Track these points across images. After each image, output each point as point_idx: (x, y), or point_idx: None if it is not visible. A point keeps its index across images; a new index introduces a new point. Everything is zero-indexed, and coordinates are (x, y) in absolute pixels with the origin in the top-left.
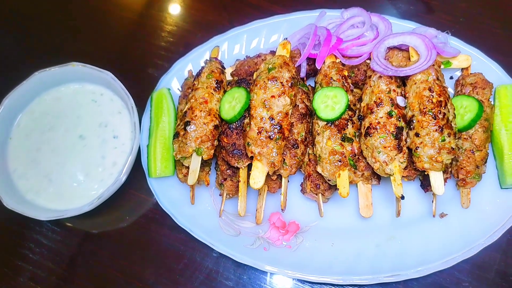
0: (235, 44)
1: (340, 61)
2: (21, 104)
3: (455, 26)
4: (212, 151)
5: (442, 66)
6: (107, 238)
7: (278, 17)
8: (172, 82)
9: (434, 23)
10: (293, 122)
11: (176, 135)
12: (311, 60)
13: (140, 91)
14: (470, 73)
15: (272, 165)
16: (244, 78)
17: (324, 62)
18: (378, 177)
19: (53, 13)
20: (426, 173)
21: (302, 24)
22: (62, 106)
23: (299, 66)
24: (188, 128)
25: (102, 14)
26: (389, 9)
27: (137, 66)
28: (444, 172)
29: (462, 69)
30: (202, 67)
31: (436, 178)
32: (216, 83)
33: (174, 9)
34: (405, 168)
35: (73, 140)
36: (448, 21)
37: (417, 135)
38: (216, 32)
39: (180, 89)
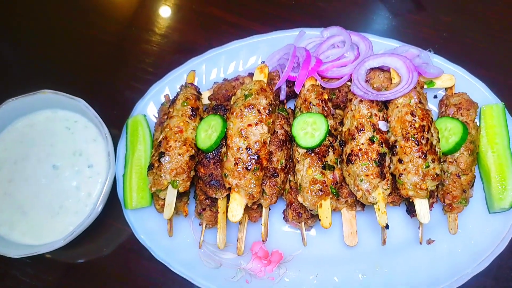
0: (213, 66)
1: (320, 84)
2: None
3: (439, 41)
4: (188, 183)
5: (425, 86)
6: (83, 270)
7: (257, 37)
8: (148, 107)
9: (417, 38)
10: (272, 151)
11: (150, 166)
12: (290, 82)
13: (117, 115)
14: (454, 93)
15: (251, 196)
16: (221, 105)
17: (303, 86)
18: (362, 204)
19: (22, 39)
20: (410, 200)
21: (281, 44)
22: (34, 134)
23: (279, 89)
24: (162, 160)
25: (74, 35)
26: (371, 25)
27: (113, 89)
28: (430, 197)
29: (446, 88)
30: (177, 94)
31: (421, 206)
32: (192, 111)
33: (151, 29)
34: (389, 194)
35: (46, 170)
36: (432, 35)
37: (400, 161)
38: (194, 52)
39: (156, 116)
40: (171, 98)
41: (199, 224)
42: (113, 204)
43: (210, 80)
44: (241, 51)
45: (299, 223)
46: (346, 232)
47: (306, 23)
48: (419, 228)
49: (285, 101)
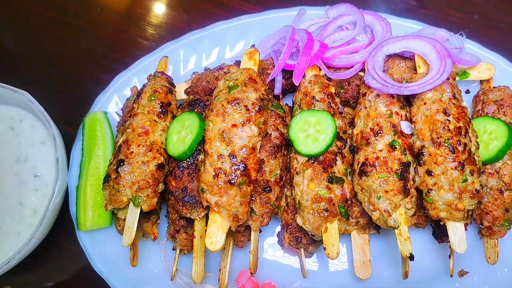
0: (193, 53)
1: (325, 74)
2: None
3: (468, 26)
4: (155, 200)
5: (456, 78)
6: None
7: (247, 18)
8: (110, 103)
9: (443, 22)
10: (263, 159)
11: (106, 178)
12: (288, 73)
13: (75, 112)
14: (493, 87)
15: (235, 218)
16: (199, 99)
17: (304, 76)
18: (378, 226)
19: None
20: (442, 223)
21: (276, 26)
22: None
23: (273, 80)
24: (120, 170)
25: (21, 14)
26: (387, 4)
27: (71, 80)
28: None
29: (481, 81)
30: (143, 86)
31: (456, 231)
32: (161, 107)
33: (119, 9)
34: (413, 215)
35: None
36: (460, 19)
37: (429, 173)
38: (171, 37)
39: (120, 113)
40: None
41: (173, 249)
42: (67, 223)
43: (188, 70)
44: (227, 34)
45: (298, 249)
46: (357, 261)
47: (307, 1)
48: (449, 257)
49: (280, 96)
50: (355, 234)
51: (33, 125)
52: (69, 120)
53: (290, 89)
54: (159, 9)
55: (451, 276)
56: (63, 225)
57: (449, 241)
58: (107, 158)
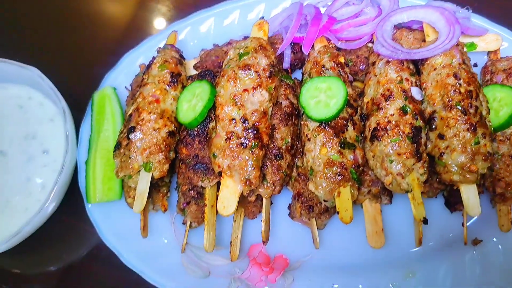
0: (200, 32)
1: (335, 45)
2: None
3: (473, 5)
4: (166, 167)
5: (464, 49)
6: (40, 282)
7: None
8: (119, 79)
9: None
10: (274, 125)
11: (117, 146)
12: (296, 47)
13: (82, 93)
14: (501, 57)
15: (247, 182)
16: (209, 70)
17: (313, 47)
18: (390, 194)
19: None
20: (455, 187)
21: (283, 3)
22: None
23: (281, 54)
24: (132, 136)
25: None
26: None
27: (78, 62)
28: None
29: (489, 53)
30: (153, 58)
31: (470, 194)
32: (171, 77)
33: None
34: (425, 182)
35: None
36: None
37: (441, 137)
38: (177, 17)
39: (129, 88)
40: None
41: (183, 223)
42: (76, 200)
43: (196, 46)
44: (235, 12)
45: (309, 219)
46: (369, 230)
47: None
48: (462, 224)
49: (289, 71)
50: (367, 203)
51: (41, 103)
52: (76, 102)
53: (298, 64)
54: None
55: (465, 244)
56: (71, 203)
57: (461, 209)
58: (116, 132)
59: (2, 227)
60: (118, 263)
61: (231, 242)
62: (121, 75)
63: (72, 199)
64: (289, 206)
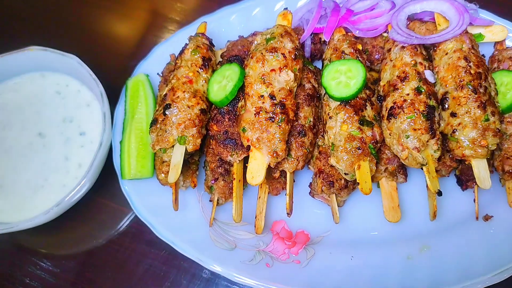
0: (224, 27)
1: (353, 34)
2: None
3: (479, 2)
4: (199, 141)
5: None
6: (71, 259)
7: None
8: (151, 69)
9: None
10: (298, 104)
11: (153, 122)
12: (316, 38)
13: (114, 84)
14: (507, 47)
15: (275, 154)
16: (237, 55)
17: (332, 37)
18: (405, 173)
19: None
20: (467, 162)
21: (302, 2)
22: (19, 100)
23: (303, 44)
24: (168, 112)
25: None
26: None
27: (110, 55)
28: None
29: (495, 44)
30: (186, 44)
31: (480, 168)
32: (203, 60)
33: None
34: (438, 160)
35: (30, 139)
36: None
37: (453, 115)
38: (204, 14)
39: (161, 74)
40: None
41: (210, 200)
42: (108, 182)
43: (222, 39)
44: (257, 8)
45: (330, 196)
46: (386, 206)
47: None
48: (474, 200)
49: (309, 60)
50: (384, 181)
51: (78, 90)
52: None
53: (317, 55)
54: None
55: (476, 219)
56: (103, 184)
57: (472, 187)
58: (149, 114)
59: (42, 201)
60: (148, 239)
61: (255, 217)
62: (152, 65)
63: (103, 181)
64: (310, 185)
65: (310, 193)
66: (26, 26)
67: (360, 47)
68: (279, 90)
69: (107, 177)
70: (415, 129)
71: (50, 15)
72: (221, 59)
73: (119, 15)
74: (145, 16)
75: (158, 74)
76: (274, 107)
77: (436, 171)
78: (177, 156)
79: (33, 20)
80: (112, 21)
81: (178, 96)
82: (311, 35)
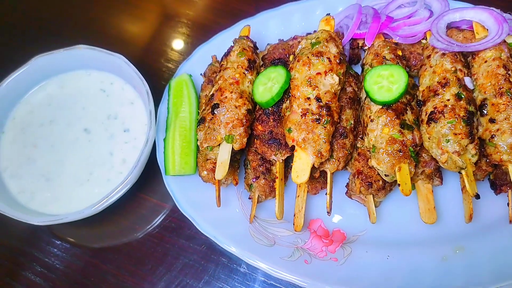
0: (264, 30)
1: (393, 40)
2: (18, 94)
3: None
4: (245, 140)
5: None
6: (113, 252)
7: (312, 0)
8: (193, 69)
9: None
10: (342, 105)
11: (201, 120)
12: (354, 43)
13: (155, 84)
14: None
15: (319, 154)
16: (281, 58)
17: (372, 43)
18: (441, 176)
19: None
20: (503, 167)
21: (340, 6)
22: (65, 96)
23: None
24: (216, 111)
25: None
26: None
27: (152, 57)
28: None
29: None
30: (231, 46)
31: None
32: (249, 62)
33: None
34: (475, 163)
35: (76, 134)
36: (504, 8)
37: (492, 121)
38: (242, 18)
39: (203, 75)
40: (218, 59)
41: (249, 198)
42: (148, 178)
43: (262, 42)
44: (296, 14)
45: (367, 196)
46: (422, 208)
47: None
48: (508, 204)
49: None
50: (420, 184)
51: (122, 88)
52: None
53: (354, 60)
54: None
55: (510, 222)
56: (146, 180)
57: (506, 191)
58: (192, 113)
59: (87, 194)
60: (187, 234)
61: (294, 215)
62: (194, 65)
63: (145, 177)
64: (347, 185)
65: (346, 193)
66: (72, 25)
67: (400, 53)
68: (325, 93)
69: (148, 173)
70: (455, 134)
71: (93, 15)
72: (262, 62)
73: (160, 20)
74: (187, 18)
75: (200, 74)
76: (320, 109)
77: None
78: (224, 154)
79: (78, 19)
80: (153, 25)
81: (226, 97)
82: (349, 40)
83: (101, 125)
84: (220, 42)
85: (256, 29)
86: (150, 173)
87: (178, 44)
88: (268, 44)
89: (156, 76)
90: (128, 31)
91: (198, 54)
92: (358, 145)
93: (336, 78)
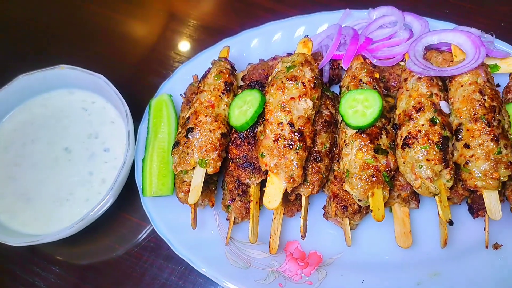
0: (247, 48)
1: (371, 62)
2: (1, 113)
3: (496, 31)
4: (219, 164)
5: (488, 70)
6: (93, 271)
7: (295, 18)
8: (174, 88)
9: (473, 26)
10: (315, 130)
11: (176, 144)
12: (334, 64)
13: (138, 102)
14: None
15: (291, 180)
16: (258, 81)
17: (350, 66)
18: (417, 199)
19: (42, 15)
20: (478, 193)
21: (322, 26)
22: (48, 115)
23: (321, 70)
24: (190, 135)
25: (95, 16)
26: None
27: (135, 74)
28: None
29: (510, 75)
30: (209, 68)
31: (492, 199)
32: (225, 85)
33: (179, 13)
34: (450, 189)
35: (57, 154)
36: (487, 25)
37: (466, 146)
38: (225, 37)
39: (183, 95)
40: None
41: (226, 219)
42: (129, 196)
43: (243, 61)
44: (278, 32)
45: (343, 219)
46: (398, 231)
47: (351, 6)
48: (484, 229)
49: (327, 85)
50: (397, 207)
51: (103, 107)
52: (133, 107)
53: (335, 80)
54: (214, 15)
55: (486, 247)
56: (125, 199)
57: (483, 215)
58: (171, 134)
59: (66, 214)
60: (166, 254)
61: (270, 237)
62: (175, 85)
63: (126, 196)
64: (324, 207)
65: (324, 215)
66: (57, 43)
67: (377, 75)
68: (298, 118)
69: (129, 192)
70: (428, 160)
71: (81, 32)
72: (242, 82)
73: (146, 35)
74: (170, 35)
75: (180, 95)
76: (292, 135)
77: (448, 198)
78: (197, 178)
79: (65, 37)
80: (139, 42)
81: (200, 120)
82: (329, 60)
83: (82, 145)
84: (202, 61)
85: (239, 48)
86: (131, 192)
87: (166, 60)
88: (249, 63)
89: (144, 93)
90: (119, 47)
91: (179, 73)
92: (335, 167)
93: (310, 103)
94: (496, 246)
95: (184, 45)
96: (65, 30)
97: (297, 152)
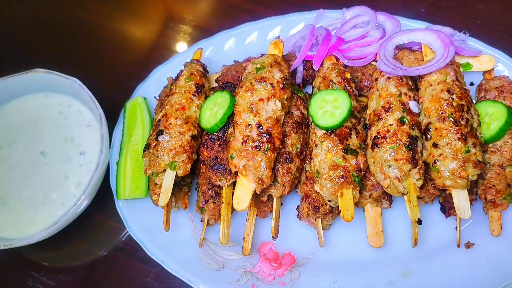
0: (222, 50)
1: (342, 63)
2: None
3: (472, 30)
4: (189, 166)
5: (460, 69)
6: (69, 273)
7: (271, 19)
8: (150, 91)
9: (449, 25)
10: (286, 132)
11: (147, 147)
12: (308, 64)
13: (117, 105)
14: (495, 77)
15: (260, 181)
16: (230, 82)
17: (322, 64)
18: (390, 199)
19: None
20: (447, 192)
21: (297, 26)
22: (23, 119)
23: (295, 70)
24: (160, 138)
25: (73, 20)
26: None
27: (115, 77)
28: (468, 192)
29: (484, 73)
30: (181, 70)
31: (460, 198)
32: (196, 87)
33: (156, 14)
34: (421, 188)
35: (33, 157)
36: (464, 23)
37: (435, 145)
38: (202, 37)
39: (158, 98)
40: None
41: (201, 220)
42: (106, 200)
43: (219, 62)
44: (254, 33)
45: (315, 219)
46: (370, 231)
47: (325, 7)
48: (456, 228)
49: (301, 85)
50: (369, 207)
51: (79, 110)
52: (109, 109)
53: (309, 80)
54: (193, 16)
55: (458, 246)
56: (101, 202)
57: (455, 214)
58: (146, 136)
59: (41, 218)
60: (141, 256)
61: (244, 239)
62: (151, 87)
63: (102, 199)
64: (297, 208)
65: (297, 215)
66: (33, 46)
67: (348, 76)
68: (266, 119)
69: (105, 195)
70: (396, 159)
71: (58, 35)
72: (216, 84)
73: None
74: (149, 37)
75: (155, 97)
76: (260, 136)
77: (420, 198)
78: (167, 181)
79: (42, 40)
80: (119, 44)
81: (170, 123)
82: (303, 61)
83: (57, 148)
84: (177, 63)
85: (214, 49)
86: (107, 195)
87: (145, 63)
88: (223, 65)
89: (121, 94)
90: (96, 49)
91: (155, 76)
92: (307, 168)
93: (279, 104)
94: (469, 245)
95: (162, 47)
96: (43, 33)
97: (265, 154)
